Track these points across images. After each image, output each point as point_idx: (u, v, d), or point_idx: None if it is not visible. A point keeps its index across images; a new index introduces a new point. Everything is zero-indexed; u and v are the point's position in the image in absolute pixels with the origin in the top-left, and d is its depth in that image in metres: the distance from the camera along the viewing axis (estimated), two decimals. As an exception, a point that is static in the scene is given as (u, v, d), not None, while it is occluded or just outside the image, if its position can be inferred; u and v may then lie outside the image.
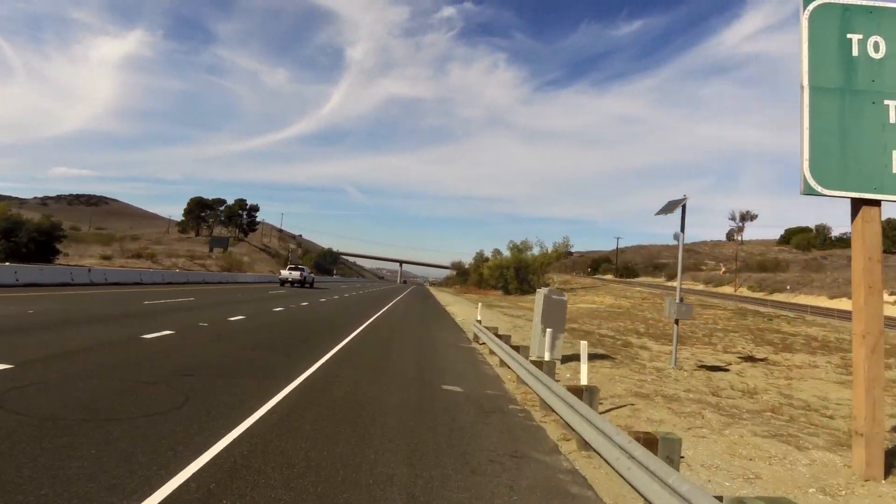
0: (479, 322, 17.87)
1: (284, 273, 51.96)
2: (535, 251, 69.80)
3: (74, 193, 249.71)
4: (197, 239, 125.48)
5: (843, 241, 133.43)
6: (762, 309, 45.18)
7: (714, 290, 79.87)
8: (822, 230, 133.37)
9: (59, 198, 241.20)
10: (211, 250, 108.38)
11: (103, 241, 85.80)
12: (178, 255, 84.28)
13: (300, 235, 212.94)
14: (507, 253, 71.25)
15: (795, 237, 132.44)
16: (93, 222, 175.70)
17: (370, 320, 20.98)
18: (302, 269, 52.80)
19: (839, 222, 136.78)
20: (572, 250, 70.27)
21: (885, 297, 58.63)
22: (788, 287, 67.62)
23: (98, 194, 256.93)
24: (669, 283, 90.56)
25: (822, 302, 62.49)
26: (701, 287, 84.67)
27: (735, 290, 77.80)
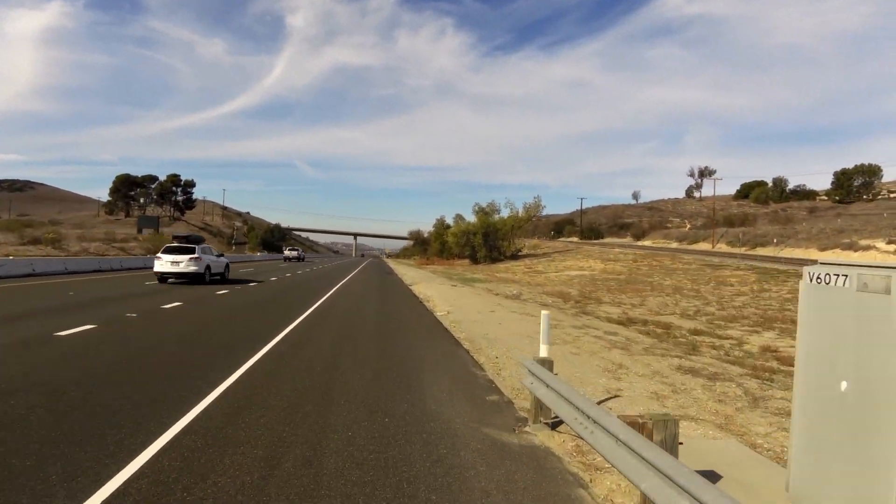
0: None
1: (286, 252, 72.65)
2: (504, 213, 61.41)
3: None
4: (126, 220, 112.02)
5: (798, 193, 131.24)
6: (780, 267, 38.13)
7: (689, 247, 73.71)
8: (779, 183, 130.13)
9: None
10: (139, 231, 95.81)
11: (8, 228, 72.83)
12: (96, 238, 72.06)
13: (247, 213, 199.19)
14: (472, 218, 62.69)
15: (754, 191, 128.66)
16: (16, 209, 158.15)
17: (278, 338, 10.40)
18: (298, 250, 73.16)
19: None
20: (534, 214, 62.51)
21: (884, 246, 52.71)
22: (775, 240, 61.64)
23: (24, 179, 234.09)
24: (646, 243, 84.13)
25: (814, 254, 56.56)
26: (675, 245, 78.51)
27: (713, 247, 71.78)
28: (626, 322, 13.63)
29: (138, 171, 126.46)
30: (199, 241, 24.65)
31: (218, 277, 24.53)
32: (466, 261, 61.64)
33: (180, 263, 22.60)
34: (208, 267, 23.37)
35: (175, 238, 25.57)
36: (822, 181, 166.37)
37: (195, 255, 22.81)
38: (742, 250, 66.75)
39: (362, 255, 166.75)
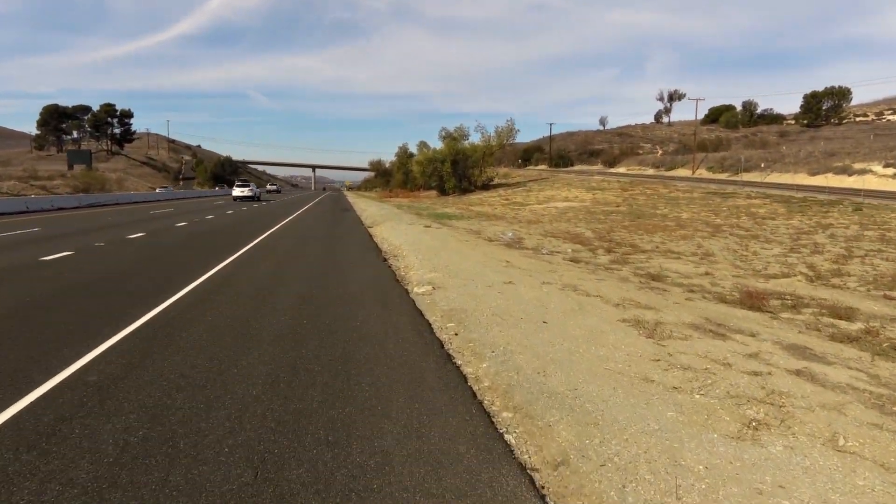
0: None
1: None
2: (475, 139, 54.17)
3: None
4: (59, 156, 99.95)
5: (767, 118, 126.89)
6: (795, 194, 32.79)
7: (669, 173, 68.39)
8: (749, 107, 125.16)
9: None
10: (70, 167, 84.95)
11: None
12: (12, 176, 61.98)
13: (198, 146, 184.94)
14: (438, 144, 55.29)
15: (723, 115, 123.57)
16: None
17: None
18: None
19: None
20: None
21: (881, 169, 48.05)
22: (762, 165, 56.51)
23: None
24: (621, 170, 78.40)
25: (805, 179, 51.83)
26: (651, 171, 73.09)
27: (693, 173, 66.60)
28: (760, 304, 7.36)
29: (80, 104, 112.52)
30: (247, 183, 52.64)
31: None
32: (433, 192, 54.78)
33: (245, 190, 49.72)
34: (255, 194, 50.79)
35: (238, 181, 55.61)
36: (787, 105, 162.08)
37: (251, 188, 51.24)
38: (725, 176, 61.77)
39: (324, 189, 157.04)
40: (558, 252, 13.03)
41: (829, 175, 51.85)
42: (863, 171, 49.68)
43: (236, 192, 51.17)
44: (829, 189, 36.62)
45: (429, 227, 19.25)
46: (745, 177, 59.01)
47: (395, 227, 19.09)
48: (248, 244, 13.90)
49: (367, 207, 35.94)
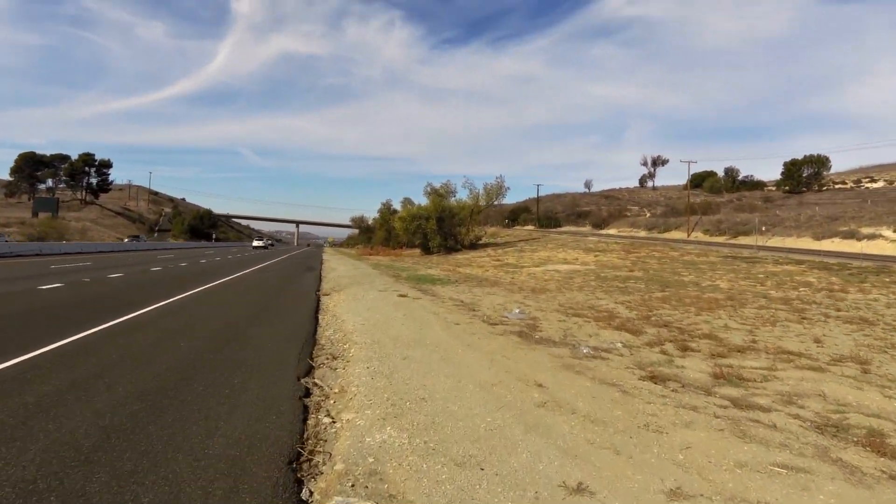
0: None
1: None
2: (463, 195, 49.87)
3: None
4: (28, 204, 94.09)
5: (748, 184, 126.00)
6: (827, 260, 28.32)
7: (662, 236, 64.54)
8: (731, 173, 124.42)
9: None
10: (35, 215, 79.08)
11: None
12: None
13: (182, 199, 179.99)
14: (422, 201, 50.90)
15: (707, 181, 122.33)
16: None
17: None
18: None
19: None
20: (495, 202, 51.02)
21: (892, 234, 44.43)
22: (763, 228, 52.72)
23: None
24: (612, 231, 74.52)
25: (810, 244, 47.93)
26: (644, 233, 69.29)
27: (688, 235, 62.77)
28: None
29: (59, 153, 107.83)
30: (261, 237, 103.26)
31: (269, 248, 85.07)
32: (417, 250, 49.86)
33: (260, 243, 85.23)
34: (269, 244, 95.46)
35: (255, 237, 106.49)
36: (764, 172, 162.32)
37: (263, 242, 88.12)
38: (722, 239, 57.92)
39: (307, 245, 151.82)
40: (606, 351, 7.84)
41: (836, 239, 48.03)
42: (872, 236, 45.88)
43: (256, 243, 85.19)
44: (860, 255, 32.33)
45: (404, 296, 14.00)
46: (744, 240, 55.12)
47: (358, 297, 13.82)
48: (100, 324, 8.52)
49: (338, 266, 30.66)
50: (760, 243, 47.95)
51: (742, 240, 55.93)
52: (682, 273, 23.49)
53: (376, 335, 8.23)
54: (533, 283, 20.56)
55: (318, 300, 13.55)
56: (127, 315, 9.60)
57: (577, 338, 8.85)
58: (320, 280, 20.36)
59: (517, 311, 11.88)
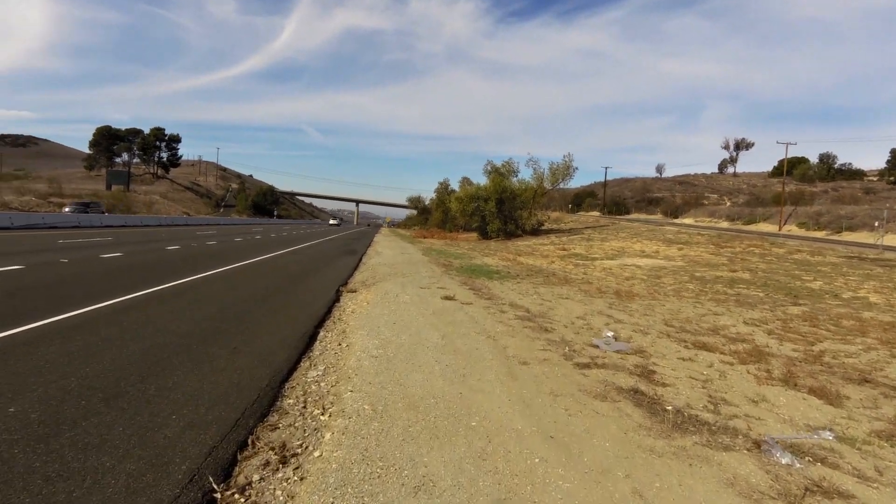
0: None
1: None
2: (525, 175, 45.60)
3: (0, 134, 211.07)
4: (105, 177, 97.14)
5: (846, 172, 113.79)
6: None
7: (747, 227, 57.77)
8: (826, 159, 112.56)
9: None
10: (108, 187, 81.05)
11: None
12: (31, 191, 57.15)
13: (249, 175, 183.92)
14: (482, 180, 47.03)
15: (797, 168, 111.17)
16: (14, 163, 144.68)
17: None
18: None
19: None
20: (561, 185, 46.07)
21: None
22: (877, 224, 45.45)
23: (28, 135, 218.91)
24: (686, 221, 68.03)
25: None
26: (725, 224, 62.53)
27: (780, 229, 55.77)
28: None
29: (133, 127, 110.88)
30: (336, 217, 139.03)
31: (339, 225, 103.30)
32: (474, 234, 46.19)
33: (335, 221, 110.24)
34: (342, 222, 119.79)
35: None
36: (864, 160, 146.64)
37: (336, 221, 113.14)
38: (822, 234, 50.81)
39: (367, 224, 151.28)
40: (819, 458, 3.94)
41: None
42: None
43: (331, 221, 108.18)
44: None
45: (451, 298, 10.40)
46: (849, 236, 48.00)
47: (391, 297, 10.34)
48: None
49: (384, 249, 27.47)
50: (878, 241, 41.05)
51: (847, 236, 48.74)
52: (802, 277, 18.68)
53: (386, 389, 4.70)
54: (613, 283, 16.46)
55: (336, 300, 10.16)
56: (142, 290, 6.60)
57: (736, 408, 4.97)
58: (356, 267, 17.08)
59: (609, 334, 8.04)
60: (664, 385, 5.59)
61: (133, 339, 6.19)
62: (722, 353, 7.41)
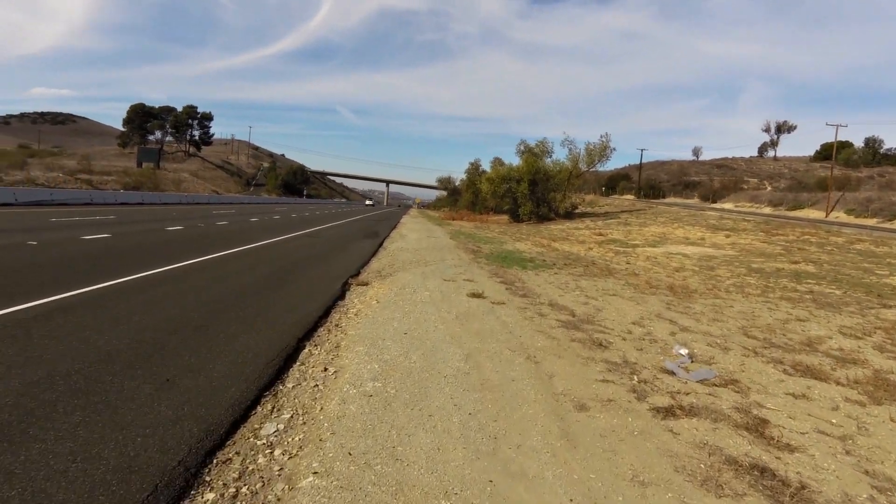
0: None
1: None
2: (560, 157, 43.29)
3: (40, 111, 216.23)
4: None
5: (892, 157, 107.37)
6: None
7: (791, 213, 54.32)
8: (872, 143, 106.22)
9: (22, 116, 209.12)
10: (139, 165, 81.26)
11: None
12: (61, 167, 57.22)
13: (282, 155, 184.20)
14: (514, 161, 44.87)
15: (842, 153, 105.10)
16: (53, 140, 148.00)
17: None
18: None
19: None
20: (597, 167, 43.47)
21: None
22: (939, 211, 41.84)
23: (67, 112, 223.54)
24: (727, 206, 64.57)
25: None
26: (768, 210, 59.03)
27: (827, 215, 52.23)
28: None
29: (166, 105, 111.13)
30: (371, 198, 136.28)
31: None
32: (505, 216, 44.25)
33: (370, 203, 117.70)
34: (376, 203, 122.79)
35: (365, 197, 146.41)
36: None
37: (370, 202, 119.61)
38: (874, 221, 47.28)
39: (399, 205, 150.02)
40: None
41: None
42: None
43: (367, 202, 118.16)
44: None
45: (479, 296, 8.68)
46: (907, 225, 44.45)
47: (408, 291, 8.70)
48: None
49: (409, 232, 25.83)
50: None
51: (903, 223, 45.13)
52: (875, 272, 16.36)
53: (371, 471, 3.04)
54: (663, 275, 14.49)
55: (341, 297, 8.50)
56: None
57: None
58: (374, 253, 15.48)
59: (682, 351, 6.23)
60: (790, 449, 3.79)
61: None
62: (839, 383, 5.55)
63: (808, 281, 14.32)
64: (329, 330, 6.31)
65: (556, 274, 13.14)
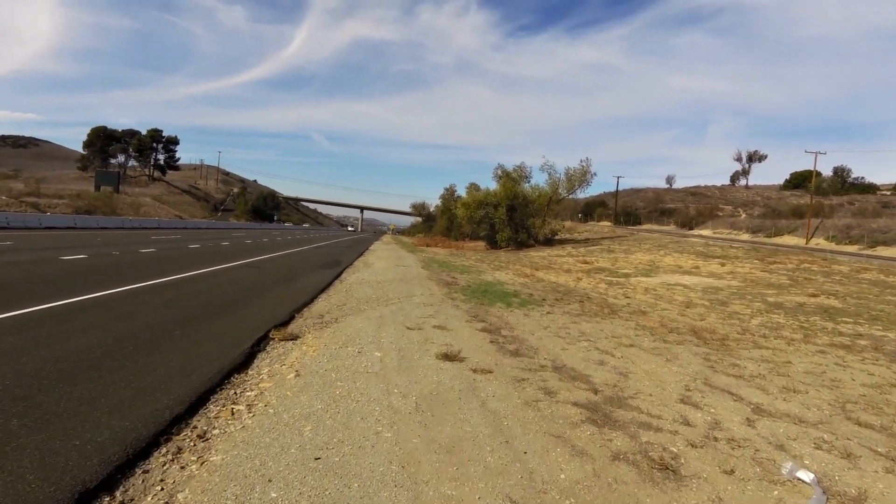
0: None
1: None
2: (539, 181, 41.28)
3: (2, 135, 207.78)
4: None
5: (858, 186, 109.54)
6: None
7: (771, 240, 53.24)
8: (840, 172, 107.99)
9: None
10: (97, 188, 76.99)
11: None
12: (13, 192, 53.12)
13: (254, 181, 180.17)
14: (490, 185, 42.73)
15: (815, 181, 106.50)
16: (11, 164, 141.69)
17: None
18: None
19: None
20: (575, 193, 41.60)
21: None
22: (921, 238, 40.92)
23: (29, 136, 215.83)
24: (705, 233, 63.39)
25: None
26: (746, 237, 57.96)
27: (807, 242, 51.23)
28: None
29: (129, 128, 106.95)
30: (350, 223, 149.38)
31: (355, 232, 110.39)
32: (481, 243, 41.83)
33: (349, 229, 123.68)
34: (354, 230, 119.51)
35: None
36: (874, 174, 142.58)
37: (352, 228, 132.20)
38: (855, 248, 46.27)
39: (374, 232, 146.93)
40: None
41: None
42: None
43: (349, 228, 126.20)
44: None
45: (454, 357, 5.96)
46: (884, 251, 43.50)
47: (349, 356, 5.93)
48: None
49: (377, 261, 23.01)
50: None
51: (883, 251, 44.19)
52: (889, 301, 14.22)
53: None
54: (674, 312, 12.01)
55: (244, 364, 5.62)
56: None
57: None
58: (325, 288, 12.60)
59: (803, 475, 3.61)
60: None
61: None
62: None
63: (844, 319, 12.01)
64: (175, 456, 3.43)
65: (548, 313, 10.54)
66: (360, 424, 3.84)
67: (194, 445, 3.48)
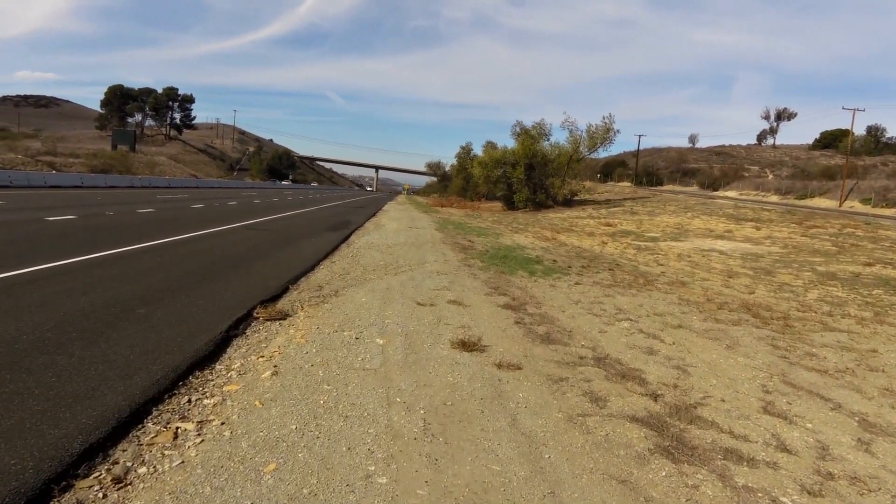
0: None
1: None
2: (560, 139, 39.41)
3: (24, 95, 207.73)
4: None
5: (893, 146, 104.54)
6: None
7: (801, 202, 50.84)
8: (874, 132, 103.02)
9: (5, 99, 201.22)
10: (114, 147, 76.35)
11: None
12: (24, 150, 52.58)
13: (270, 140, 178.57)
14: (509, 143, 40.90)
15: (843, 141, 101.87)
16: (35, 124, 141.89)
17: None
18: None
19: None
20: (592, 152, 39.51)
21: None
22: (967, 200, 38.46)
23: (50, 96, 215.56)
24: (730, 194, 60.90)
25: None
26: (775, 198, 55.53)
27: (840, 205, 48.84)
28: None
29: (146, 87, 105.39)
30: (369, 184, 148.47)
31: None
32: (498, 204, 40.34)
33: (368, 189, 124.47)
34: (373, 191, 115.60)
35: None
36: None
37: (370, 188, 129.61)
38: (891, 212, 43.90)
39: (390, 192, 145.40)
40: None
41: None
42: None
43: (368, 188, 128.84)
44: None
45: (473, 345, 4.81)
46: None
47: (344, 344, 4.80)
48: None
49: (389, 221, 21.84)
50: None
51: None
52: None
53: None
54: (717, 283, 10.71)
55: (210, 357, 4.50)
56: None
57: None
58: (330, 253, 11.50)
59: None
60: None
61: None
62: None
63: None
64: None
65: (577, 284, 9.32)
66: (345, 460, 2.74)
67: (103, 497, 2.40)
